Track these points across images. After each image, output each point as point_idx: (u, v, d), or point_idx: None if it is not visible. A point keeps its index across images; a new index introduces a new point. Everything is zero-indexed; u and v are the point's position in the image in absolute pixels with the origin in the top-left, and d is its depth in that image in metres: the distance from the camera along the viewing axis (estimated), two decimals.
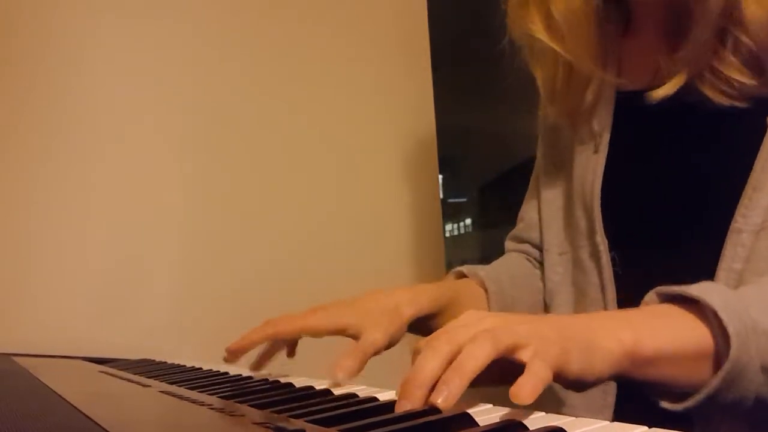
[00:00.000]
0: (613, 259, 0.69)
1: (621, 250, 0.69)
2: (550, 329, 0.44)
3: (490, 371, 0.41)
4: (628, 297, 0.64)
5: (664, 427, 0.34)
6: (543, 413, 0.40)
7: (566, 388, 0.45)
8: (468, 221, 2.58)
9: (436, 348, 0.42)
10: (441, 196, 1.38)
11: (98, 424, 0.37)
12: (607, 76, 0.71)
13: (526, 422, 0.37)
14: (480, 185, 2.56)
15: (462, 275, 0.79)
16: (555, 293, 0.78)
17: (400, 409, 0.41)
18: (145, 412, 0.48)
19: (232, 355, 0.64)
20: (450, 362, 0.41)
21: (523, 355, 0.42)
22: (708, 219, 0.63)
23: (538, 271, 0.83)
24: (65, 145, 1.02)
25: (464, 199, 2.60)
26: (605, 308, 0.69)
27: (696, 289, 0.48)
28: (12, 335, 0.95)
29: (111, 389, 0.61)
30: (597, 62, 0.69)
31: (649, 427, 0.34)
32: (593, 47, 0.69)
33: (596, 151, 0.71)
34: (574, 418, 0.38)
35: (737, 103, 0.59)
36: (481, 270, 0.79)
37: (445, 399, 0.39)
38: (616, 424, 0.36)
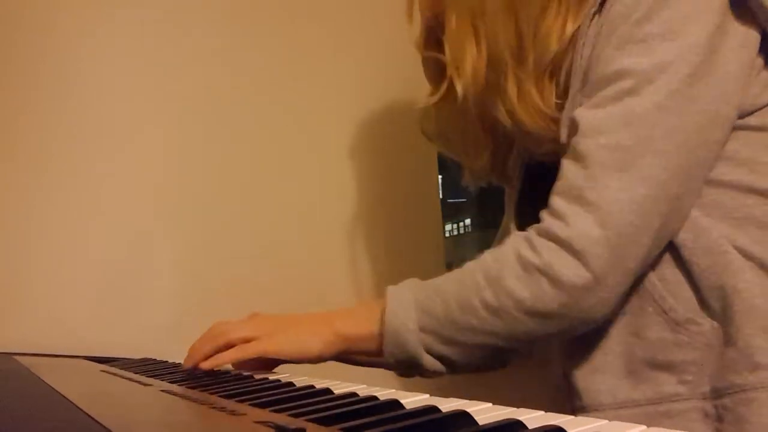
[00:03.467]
0: None
1: None
2: (269, 324, 0.73)
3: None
4: None
5: None
6: (542, 412, 0.41)
7: (295, 362, 0.72)
8: (468, 221, 2.58)
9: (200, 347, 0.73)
10: (441, 196, 1.38)
11: (100, 423, 0.37)
12: (480, 165, 0.90)
13: (525, 421, 0.37)
14: (480, 185, 2.54)
15: None
16: None
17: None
18: (147, 411, 0.48)
19: None
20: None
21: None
22: None
23: None
24: (66, 145, 1.02)
25: (464, 199, 2.60)
26: None
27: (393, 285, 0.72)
28: (13, 334, 0.95)
29: (112, 388, 0.61)
30: (475, 157, 0.89)
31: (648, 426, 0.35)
32: (463, 145, 0.90)
33: (513, 189, 0.87)
34: (572, 417, 0.38)
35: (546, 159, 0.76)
36: None
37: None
38: (615, 423, 0.37)
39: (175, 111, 1.10)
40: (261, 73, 1.17)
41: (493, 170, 0.90)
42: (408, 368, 0.72)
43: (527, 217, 0.80)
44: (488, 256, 0.70)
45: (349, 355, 0.74)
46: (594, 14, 0.68)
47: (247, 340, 0.70)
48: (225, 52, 1.14)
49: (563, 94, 0.72)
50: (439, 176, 1.36)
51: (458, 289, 0.68)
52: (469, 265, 0.70)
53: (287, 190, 1.18)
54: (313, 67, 1.21)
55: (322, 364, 0.89)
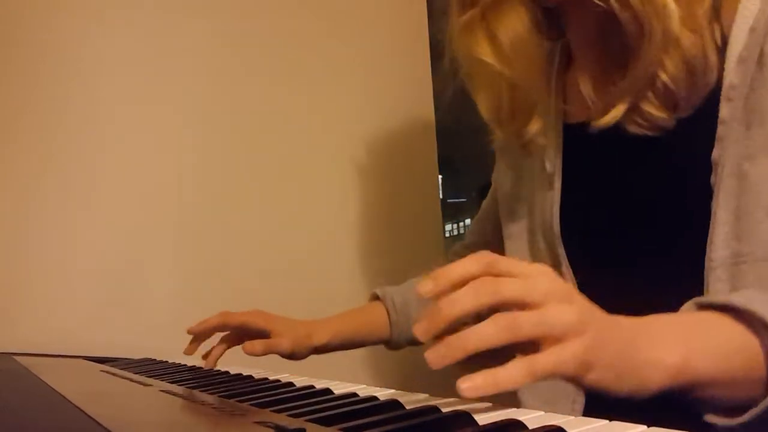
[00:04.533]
0: (580, 287, 0.71)
1: (582, 275, 0.72)
2: (594, 333, 0.42)
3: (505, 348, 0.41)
4: None
5: None
6: (542, 412, 0.41)
7: (590, 390, 0.44)
8: (468, 221, 2.58)
9: (478, 292, 0.42)
10: (441, 196, 1.39)
11: (100, 423, 0.37)
12: (552, 102, 0.75)
13: (525, 421, 0.37)
14: (480, 185, 2.56)
15: (377, 297, 0.92)
16: None
17: (417, 331, 0.42)
18: (147, 411, 0.48)
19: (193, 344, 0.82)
20: (484, 310, 0.41)
21: (544, 347, 0.41)
22: (660, 242, 0.66)
23: None
24: (66, 145, 1.02)
25: (464, 199, 2.60)
26: None
27: (740, 301, 0.48)
28: (13, 334, 0.95)
29: (112, 388, 0.61)
30: (543, 87, 0.73)
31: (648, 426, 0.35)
32: (540, 73, 0.72)
33: (551, 188, 0.75)
34: (572, 417, 0.38)
35: (648, 133, 0.64)
36: (393, 293, 0.91)
37: (434, 360, 0.40)
38: (615, 423, 0.37)
39: (176, 112, 1.10)
40: (262, 75, 1.17)
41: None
42: None
43: (571, 219, 0.73)
44: None
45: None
46: None
47: (558, 339, 0.42)
48: (227, 52, 1.14)
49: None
50: (439, 176, 1.36)
51: None
52: None
53: (287, 190, 1.18)
54: (313, 67, 1.21)
55: (321, 361, 0.90)
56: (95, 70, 1.05)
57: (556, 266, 0.73)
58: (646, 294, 0.65)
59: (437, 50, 1.33)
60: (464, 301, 0.41)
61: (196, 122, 1.11)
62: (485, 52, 0.70)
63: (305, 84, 1.20)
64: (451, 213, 2.54)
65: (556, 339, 0.41)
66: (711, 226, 0.60)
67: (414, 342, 0.90)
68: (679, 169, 0.65)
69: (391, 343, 0.93)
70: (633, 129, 0.64)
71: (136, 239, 1.05)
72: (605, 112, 0.66)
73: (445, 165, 1.42)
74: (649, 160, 0.66)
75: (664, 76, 0.61)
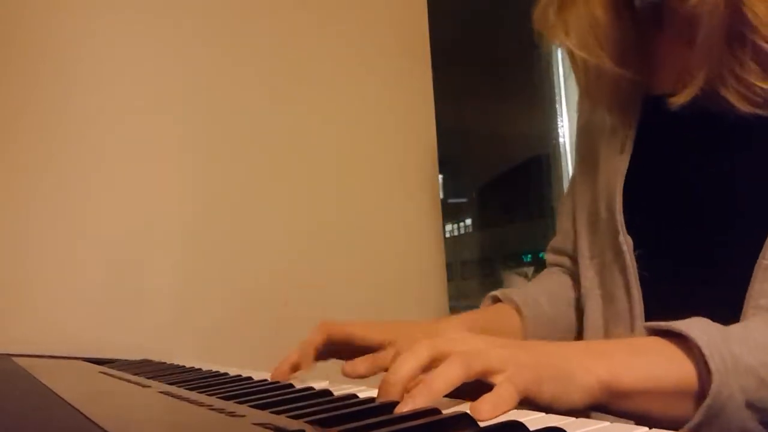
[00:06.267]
0: (638, 259, 0.69)
1: (646, 255, 0.69)
2: (527, 356, 0.46)
3: (466, 387, 0.43)
4: (656, 302, 0.67)
5: None
6: (543, 413, 0.40)
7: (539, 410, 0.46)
8: (468, 221, 2.58)
9: (416, 353, 0.45)
10: (441, 196, 1.38)
11: (98, 425, 0.37)
12: (630, 75, 0.71)
13: (526, 422, 0.37)
14: (480, 185, 2.56)
15: (497, 300, 0.81)
16: (586, 299, 0.77)
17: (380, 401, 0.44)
18: (145, 413, 0.48)
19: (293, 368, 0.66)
20: (425, 368, 0.44)
21: (496, 379, 0.44)
22: (729, 231, 0.63)
23: (573, 284, 0.85)
24: (66, 145, 1.02)
25: (464, 200, 2.60)
26: (631, 313, 0.69)
27: (682, 325, 0.49)
28: (12, 335, 0.95)
29: (111, 389, 0.61)
30: (620, 64, 0.69)
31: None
32: (615, 51, 0.69)
33: (621, 152, 0.71)
34: (574, 418, 0.38)
35: (761, 112, 0.59)
36: (516, 293, 0.81)
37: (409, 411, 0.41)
38: (616, 424, 0.36)
39: (176, 112, 1.10)
40: (261, 75, 1.17)
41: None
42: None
43: (638, 190, 0.70)
44: None
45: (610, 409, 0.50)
46: None
47: (484, 374, 0.44)
48: (226, 52, 1.14)
49: None
50: (439, 176, 1.36)
51: None
52: None
53: (286, 191, 1.17)
54: (313, 68, 1.21)
55: (320, 363, 0.89)
56: (95, 71, 1.05)
57: (614, 236, 0.70)
58: (696, 279, 0.64)
59: (437, 49, 1.33)
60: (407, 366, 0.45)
61: (196, 122, 1.11)
62: (559, 37, 0.71)
63: (305, 84, 1.20)
64: (451, 213, 2.54)
65: (499, 370, 0.44)
66: None
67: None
68: (752, 165, 0.62)
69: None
70: (743, 105, 0.59)
71: (136, 239, 1.05)
72: (684, 85, 0.62)
73: (445, 165, 1.42)
74: (726, 147, 0.63)
75: (759, 41, 0.56)
